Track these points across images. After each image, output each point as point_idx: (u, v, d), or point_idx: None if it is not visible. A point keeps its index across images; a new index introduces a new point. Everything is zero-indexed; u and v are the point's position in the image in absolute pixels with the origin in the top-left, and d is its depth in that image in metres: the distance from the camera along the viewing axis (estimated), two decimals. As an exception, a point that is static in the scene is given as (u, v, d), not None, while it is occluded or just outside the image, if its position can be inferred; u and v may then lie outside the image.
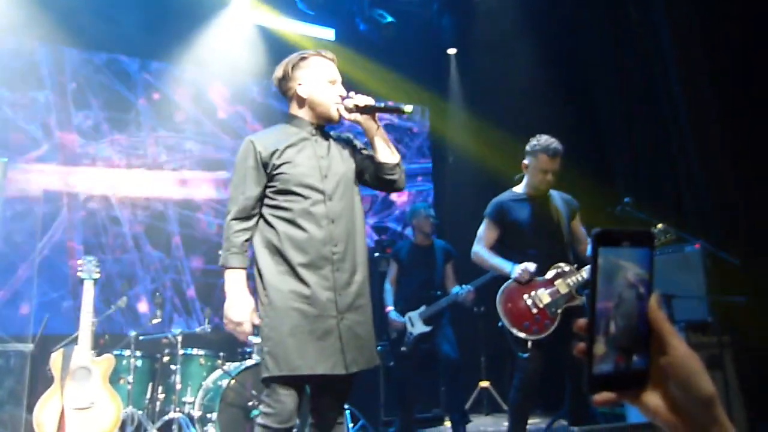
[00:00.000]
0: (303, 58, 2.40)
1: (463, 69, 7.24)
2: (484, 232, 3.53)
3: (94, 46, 5.56)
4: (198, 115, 5.97)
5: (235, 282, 2.26)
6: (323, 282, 2.20)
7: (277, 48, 5.77)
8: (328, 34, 6.59)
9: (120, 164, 5.56)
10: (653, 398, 0.65)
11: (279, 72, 2.42)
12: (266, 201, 2.30)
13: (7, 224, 4.84)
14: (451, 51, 7.24)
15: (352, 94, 2.37)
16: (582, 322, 0.64)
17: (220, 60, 6.01)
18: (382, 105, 2.34)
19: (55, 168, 5.28)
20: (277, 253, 2.23)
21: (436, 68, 7.25)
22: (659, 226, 3.33)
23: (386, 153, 2.37)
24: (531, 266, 3.26)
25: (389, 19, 6.32)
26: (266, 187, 2.30)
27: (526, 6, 6.30)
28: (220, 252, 2.31)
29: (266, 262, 2.25)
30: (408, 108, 2.27)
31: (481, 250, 3.52)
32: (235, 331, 2.24)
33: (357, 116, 2.34)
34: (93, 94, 5.52)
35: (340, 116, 2.36)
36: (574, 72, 5.99)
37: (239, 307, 2.22)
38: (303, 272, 2.19)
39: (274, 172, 2.28)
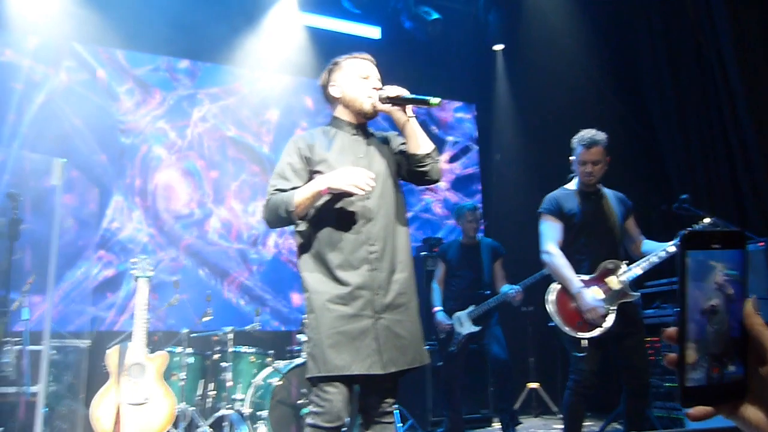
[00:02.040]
0: (335, 63, 2.46)
1: (510, 65, 7.14)
2: (549, 229, 3.35)
3: (141, 48, 5.70)
4: (247, 117, 6.05)
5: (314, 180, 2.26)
6: (360, 282, 2.21)
7: (325, 48, 5.80)
8: (374, 32, 6.59)
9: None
10: (753, 412, 0.60)
11: (320, 81, 2.51)
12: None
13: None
14: (498, 47, 7.14)
15: (384, 86, 2.39)
16: (671, 330, 0.60)
17: (267, 61, 6.08)
18: (411, 96, 2.33)
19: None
20: (317, 255, 2.27)
21: (483, 65, 7.18)
22: (707, 219, 3.20)
23: (416, 144, 2.36)
24: (601, 310, 3.13)
25: (435, 15, 6.28)
26: None
27: (575, 2, 6.16)
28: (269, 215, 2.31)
29: (307, 265, 2.29)
30: (435, 100, 2.25)
31: (555, 256, 3.27)
32: (349, 187, 2.17)
33: (389, 107, 2.35)
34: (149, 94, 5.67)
35: (375, 109, 2.37)
36: (624, 68, 5.84)
37: (343, 175, 2.19)
38: (340, 273, 2.21)
39: (314, 169, 2.32)
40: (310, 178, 2.32)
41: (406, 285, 2.31)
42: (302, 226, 2.33)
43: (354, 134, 2.42)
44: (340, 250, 2.23)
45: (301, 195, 2.21)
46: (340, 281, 2.21)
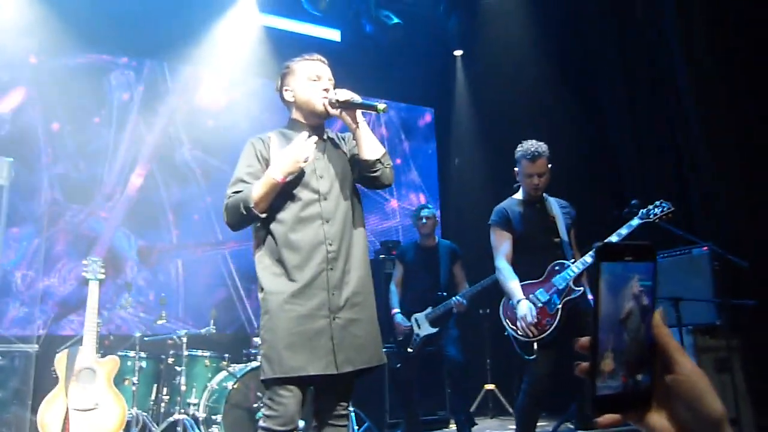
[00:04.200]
0: (287, 67, 2.47)
1: (469, 70, 7.22)
2: (498, 241, 3.44)
3: (97, 49, 5.59)
4: (201, 116, 5.97)
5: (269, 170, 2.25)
6: (316, 281, 2.21)
7: (284, 49, 5.77)
8: (334, 35, 6.59)
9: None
10: (658, 419, 0.62)
11: (275, 87, 2.51)
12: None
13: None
14: (458, 52, 7.22)
15: (335, 90, 2.40)
16: (584, 340, 0.62)
17: (225, 61, 6.02)
18: (359, 101, 2.33)
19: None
20: (273, 255, 2.25)
21: (443, 69, 7.24)
22: (655, 203, 3.27)
23: (366, 149, 2.36)
24: (530, 318, 3.20)
25: (395, 20, 6.31)
26: None
27: (533, 7, 6.28)
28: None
29: (263, 266, 2.27)
30: (381, 106, 2.26)
31: (504, 267, 3.37)
32: (297, 162, 2.21)
33: (338, 111, 2.37)
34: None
35: (327, 111, 2.38)
36: (580, 73, 5.97)
37: (283, 154, 2.23)
38: (296, 273, 2.20)
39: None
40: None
41: (361, 284, 2.31)
42: (260, 228, 2.30)
43: (309, 136, 2.41)
44: (297, 251, 2.22)
45: (258, 189, 2.20)
46: (296, 281, 2.19)
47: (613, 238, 3.23)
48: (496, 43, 6.51)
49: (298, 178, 2.28)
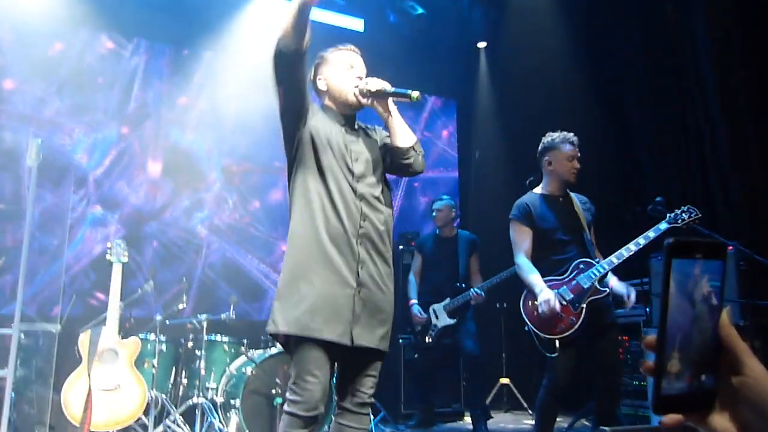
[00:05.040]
0: (321, 57, 2.47)
1: (493, 63, 7.18)
2: (518, 237, 3.41)
3: (125, 33, 5.62)
4: (225, 105, 5.99)
5: None
6: (347, 251, 2.23)
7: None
8: (358, 24, 6.56)
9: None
10: (721, 420, 0.61)
11: (309, 76, 2.48)
12: (306, 164, 2.32)
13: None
14: (481, 44, 7.17)
15: (367, 79, 2.41)
16: (651, 338, 0.61)
17: (249, 50, 6.02)
18: (392, 90, 2.35)
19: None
20: (310, 215, 2.27)
21: (466, 61, 7.20)
22: (682, 208, 3.26)
23: (399, 137, 2.41)
24: (556, 306, 3.18)
25: (420, 10, 6.28)
26: (309, 148, 2.31)
27: (558, 1, 6.21)
28: None
29: (299, 217, 2.28)
30: (415, 94, 2.29)
31: (524, 263, 3.34)
32: None
33: (370, 101, 2.39)
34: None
35: (359, 100, 2.39)
36: (604, 66, 5.91)
37: None
38: (327, 239, 2.23)
39: (312, 135, 2.31)
40: (311, 144, 2.30)
41: (386, 266, 2.35)
42: (297, 200, 2.31)
43: (344, 124, 2.44)
44: (330, 222, 2.25)
45: (285, 16, 2.12)
46: (326, 247, 2.22)
47: (641, 241, 3.21)
48: (520, 35, 6.45)
49: (333, 159, 2.30)
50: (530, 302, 3.31)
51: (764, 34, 4.43)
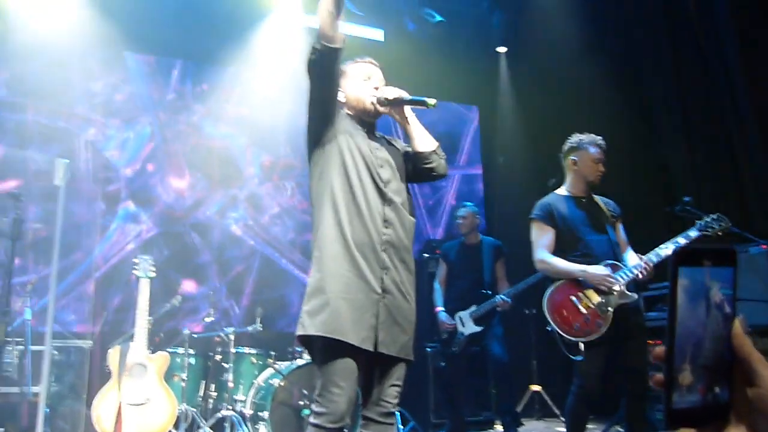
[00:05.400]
0: (341, 71, 2.49)
1: (513, 68, 7.13)
2: (539, 235, 3.39)
3: (146, 50, 5.72)
4: (248, 117, 6.06)
5: None
6: (372, 258, 2.24)
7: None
8: (378, 34, 6.59)
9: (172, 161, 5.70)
10: None
11: None
12: (332, 167, 2.33)
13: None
14: (502, 50, 7.14)
15: (384, 88, 2.45)
16: (659, 350, 0.58)
17: (269, 63, 6.08)
18: (409, 98, 2.40)
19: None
20: (337, 220, 2.28)
21: (486, 67, 7.17)
22: (712, 216, 3.21)
23: (420, 142, 2.46)
24: (604, 271, 3.16)
25: (438, 18, 6.28)
26: (335, 151, 2.34)
27: (579, 4, 6.16)
28: None
29: (327, 221, 2.28)
30: (431, 101, 2.33)
31: (546, 257, 3.31)
32: None
33: (388, 109, 2.43)
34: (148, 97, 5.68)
35: (376, 108, 2.43)
36: (627, 70, 5.83)
37: None
38: (354, 246, 2.24)
39: (338, 139, 2.33)
40: (339, 149, 2.32)
41: (409, 274, 2.35)
42: (324, 202, 2.31)
43: (366, 131, 2.47)
44: (357, 227, 2.26)
45: (320, 13, 2.19)
46: (353, 251, 2.23)
47: (670, 247, 3.16)
48: (540, 40, 6.40)
49: (361, 163, 2.32)
50: (553, 301, 3.25)
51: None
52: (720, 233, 3.17)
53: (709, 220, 3.19)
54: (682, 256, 0.57)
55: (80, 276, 5.14)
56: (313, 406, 2.20)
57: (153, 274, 4.06)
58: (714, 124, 4.90)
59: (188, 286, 5.45)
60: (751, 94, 4.50)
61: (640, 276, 3.18)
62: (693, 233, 3.18)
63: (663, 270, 3.26)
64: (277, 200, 6.07)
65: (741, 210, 4.55)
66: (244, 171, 5.99)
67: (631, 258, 3.35)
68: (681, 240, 3.19)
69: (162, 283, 4.86)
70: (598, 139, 3.45)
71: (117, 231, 5.37)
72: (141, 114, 5.67)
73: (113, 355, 3.84)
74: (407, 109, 2.44)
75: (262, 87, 6.08)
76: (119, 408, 3.68)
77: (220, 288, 5.57)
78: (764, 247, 3.67)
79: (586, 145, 3.42)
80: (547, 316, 3.23)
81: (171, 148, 5.72)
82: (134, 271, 4.03)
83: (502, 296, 4.54)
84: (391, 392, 2.31)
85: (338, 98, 2.49)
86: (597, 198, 3.50)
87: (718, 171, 4.86)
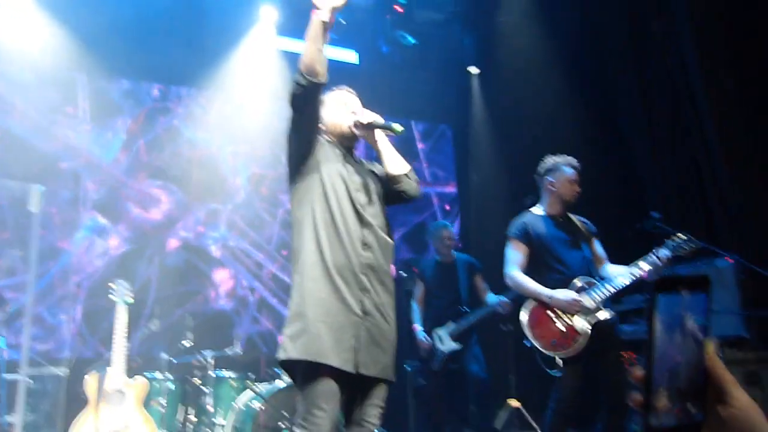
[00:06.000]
0: (321, 101, 2.56)
1: (486, 88, 7.26)
2: (514, 253, 3.50)
3: (118, 73, 5.71)
4: (223, 141, 6.07)
5: None
6: (352, 281, 2.29)
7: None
8: (351, 56, 6.68)
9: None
10: None
11: None
12: (313, 191, 2.38)
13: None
14: (473, 70, 7.27)
15: (358, 111, 2.55)
16: (638, 373, 0.62)
17: (244, 86, 6.12)
18: (380, 123, 2.49)
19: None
20: (317, 244, 2.32)
21: (459, 87, 7.29)
22: (680, 236, 3.32)
23: (391, 165, 2.54)
24: (573, 295, 3.24)
25: (412, 40, 6.39)
26: (315, 177, 2.39)
27: (549, 25, 6.32)
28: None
29: (307, 246, 2.32)
30: (399, 128, 2.43)
31: (515, 274, 3.45)
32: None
33: (363, 132, 2.53)
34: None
35: (354, 133, 2.52)
36: (598, 89, 5.98)
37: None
38: (334, 269, 2.28)
39: (320, 164, 2.39)
40: (316, 172, 2.38)
41: (389, 296, 2.40)
42: (302, 227, 2.35)
43: (344, 156, 2.54)
44: (336, 251, 2.30)
45: (306, 47, 2.24)
46: (332, 275, 2.27)
47: (645, 267, 3.27)
48: (512, 60, 6.54)
49: (340, 188, 2.38)
50: (531, 316, 3.32)
51: (753, 48, 4.51)
52: (690, 253, 3.28)
53: (679, 241, 3.30)
54: (660, 284, 0.61)
55: (54, 299, 5.08)
56: (296, 429, 2.22)
57: (130, 300, 4.03)
58: (680, 142, 5.05)
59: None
60: (714, 114, 4.66)
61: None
62: (664, 253, 3.28)
63: (638, 285, 3.37)
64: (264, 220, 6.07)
65: (707, 224, 4.69)
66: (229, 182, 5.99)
67: (612, 270, 3.44)
68: (654, 259, 3.28)
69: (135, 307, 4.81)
70: (573, 160, 3.59)
71: (84, 242, 5.30)
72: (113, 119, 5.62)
73: (90, 381, 3.80)
74: (379, 133, 2.53)
75: (236, 113, 6.11)
76: (97, 436, 3.63)
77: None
78: (729, 260, 3.79)
79: (562, 167, 3.55)
80: (526, 331, 3.30)
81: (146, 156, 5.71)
82: (110, 296, 4.00)
83: (501, 297, 4.56)
84: (372, 413, 2.34)
85: (321, 126, 2.56)
86: (573, 217, 3.60)
87: (684, 187, 5.00)
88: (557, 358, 3.22)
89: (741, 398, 0.62)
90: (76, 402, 3.92)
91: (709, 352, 0.63)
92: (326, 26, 2.25)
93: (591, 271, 3.44)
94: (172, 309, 5.41)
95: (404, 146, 6.80)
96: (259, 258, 6.00)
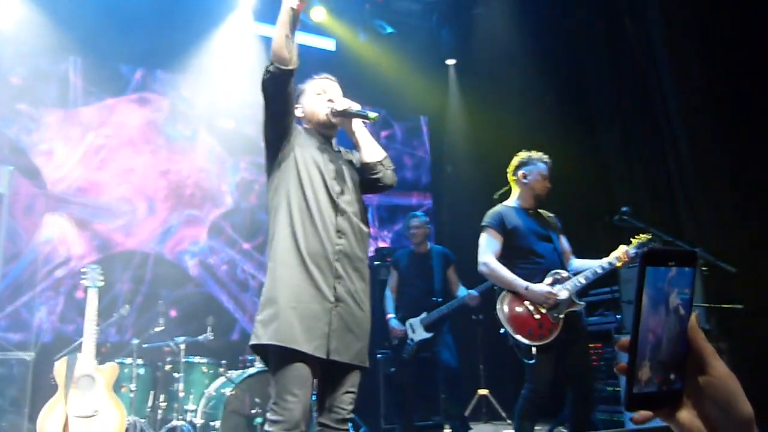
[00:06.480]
0: (299, 88, 2.59)
1: (462, 79, 7.31)
2: (489, 242, 3.52)
3: (100, 56, 5.63)
4: (201, 126, 6.02)
5: None
6: (326, 268, 2.30)
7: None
8: (329, 44, 6.65)
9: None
10: (689, 417, 0.66)
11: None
12: (288, 179, 2.39)
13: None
14: (450, 62, 7.30)
15: (335, 98, 2.56)
16: (624, 340, 0.65)
17: (221, 71, 6.06)
18: (355, 111, 2.49)
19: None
20: (291, 231, 2.33)
21: (436, 78, 7.32)
22: (643, 236, 3.44)
23: (367, 153, 2.54)
24: (546, 288, 3.32)
25: (389, 29, 6.39)
26: (291, 156, 2.40)
27: (525, 18, 6.37)
28: None
29: (282, 232, 2.33)
30: (372, 115, 2.45)
31: (491, 261, 3.44)
32: None
33: (339, 120, 2.53)
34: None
35: (330, 119, 2.52)
36: (571, 82, 6.07)
37: None
38: (308, 256, 2.29)
39: (295, 153, 2.40)
40: (293, 157, 2.39)
41: (362, 282, 2.41)
42: (278, 213, 2.36)
43: (322, 144, 2.54)
44: (310, 237, 2.31)
45: (275, 33, 2.24)
46: (306, 261, 2.28)
47: (613, 261, 3.39)
48: (488, 52, 6.60)
49: (315, 175, 2.39)
50: (507, 304, 3.37)
51: (722, 45, 4.61)
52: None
53: (645, 242, 3.43)
54: (649, 257, 0.64)
55: (21, 285, 5.00)
56: (268, 415, 2.23)
57: (101, 283, 3.99)
58: (650, 137, 5.16)
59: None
60: (682, 112, 4.78)
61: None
62: (633, 251, 3.40)
63: (605, 278, 3.46)
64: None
65: (673, 219, 4.81)
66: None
67: (578, 263, 3.54)
68: (607, 264, 3.42)
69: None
70: (545, 156, 3.67)
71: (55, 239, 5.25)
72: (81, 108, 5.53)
73: (60, 366, 3.76)
74: (356, 120, 2.53)
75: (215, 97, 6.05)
76: (66, 421, 3.60)
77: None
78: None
79: (535, 161, 3.63)
80: (502, 320, 3.35)
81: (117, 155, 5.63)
82: (82, 281, 3.96)
83: (471, 291, 4.62)
84: (345, 399, 2.36)
85: (296, 114, 2.56)
86: (542, 211, 3.70)
87: (653, 182, 5.11)
88: (533, 347, 3.28)
89: (719, 368, 0.65)
90: (43, 387, 3.88)
91: (692, 323, 0.66)
92: (295, 13, 2.24)
93: (563, 264, 3.52)
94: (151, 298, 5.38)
95: (379, 136, 6.83)
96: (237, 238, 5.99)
